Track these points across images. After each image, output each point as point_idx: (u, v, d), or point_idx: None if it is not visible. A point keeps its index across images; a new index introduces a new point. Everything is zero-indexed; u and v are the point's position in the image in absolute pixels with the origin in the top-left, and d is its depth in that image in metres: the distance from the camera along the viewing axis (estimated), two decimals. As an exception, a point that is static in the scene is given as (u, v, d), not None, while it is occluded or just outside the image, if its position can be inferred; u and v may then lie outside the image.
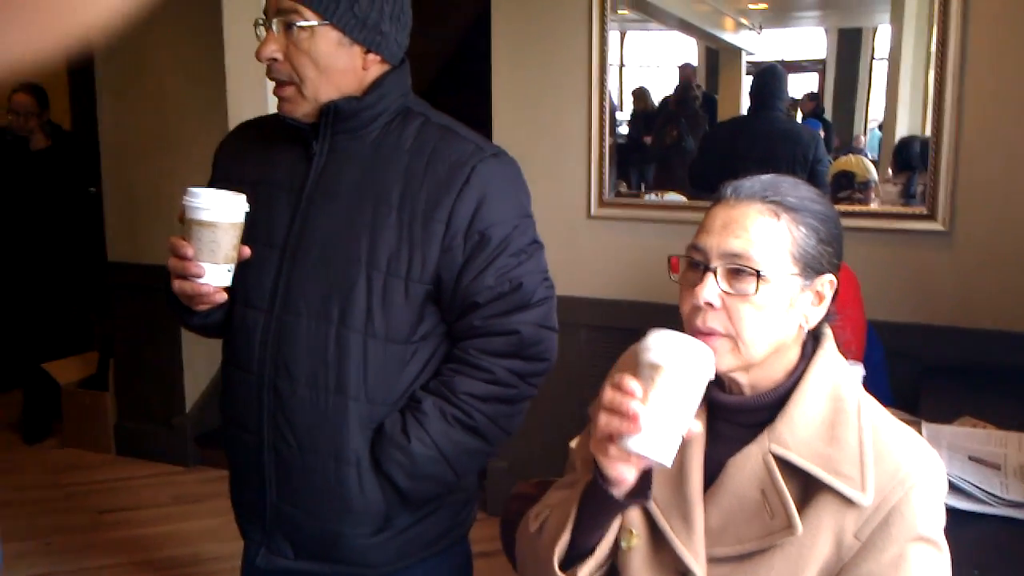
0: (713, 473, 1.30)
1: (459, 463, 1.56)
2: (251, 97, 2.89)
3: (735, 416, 1.32)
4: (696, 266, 1.29)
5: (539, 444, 3.51)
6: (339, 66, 1.50)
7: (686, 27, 3.87)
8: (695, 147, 3.74)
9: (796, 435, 1.24)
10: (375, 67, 1.54)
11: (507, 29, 3.63)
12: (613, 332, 3.48)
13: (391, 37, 1.53)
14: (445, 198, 1.49)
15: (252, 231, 1.53)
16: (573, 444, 2.37)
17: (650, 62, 3.91)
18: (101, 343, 4.91)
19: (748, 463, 1.26)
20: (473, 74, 5.95)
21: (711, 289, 1.25)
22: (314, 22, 1.46)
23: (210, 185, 1.63)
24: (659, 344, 1.14)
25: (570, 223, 3.58)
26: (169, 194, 4.36)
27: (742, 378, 1.29)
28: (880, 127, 3.44)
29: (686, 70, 3.83)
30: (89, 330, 5.12)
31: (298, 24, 1.46)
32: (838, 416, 1.25)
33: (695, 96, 3.77)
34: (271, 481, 1.59)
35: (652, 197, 3.66)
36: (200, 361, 4.54)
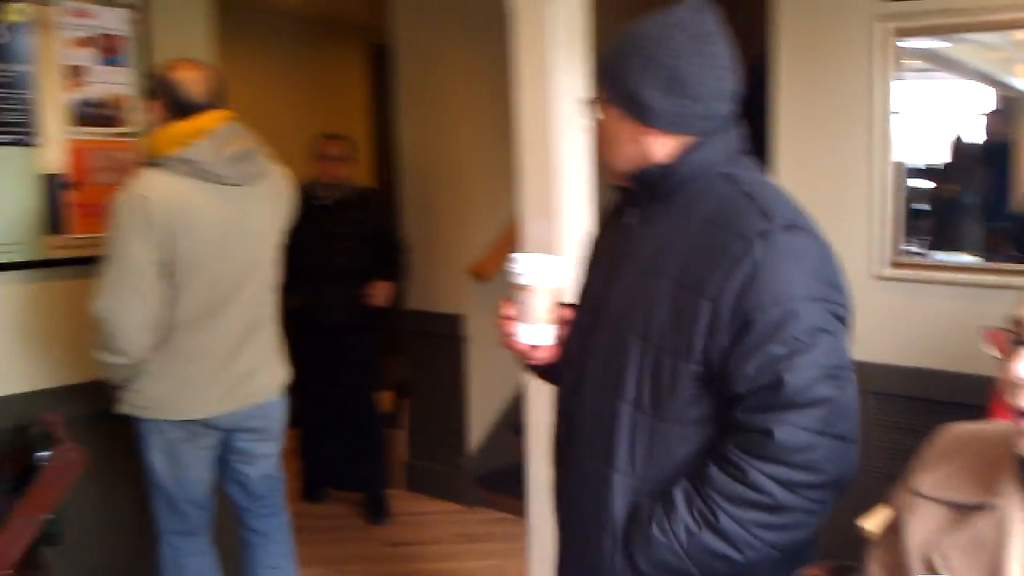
0: None
1: (699, 562, 1.44)
2: (539, 158, 3.02)
3: None
4: (1019, 342, 1.17)
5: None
6: (620, 138, 1.56)
7: (977, 75, 3.63)
8: (977, 202, 3.47)
9: None
10: (665, 139, 1.52)
11: (788, 82, 3.57)
12: (905, 401, 3.28)
13: (667, 110, 1.49)
14: (716, 273, 1.41)
15: (581, 293, 1.65)
16: (869, 527, 2.20)
17: (939, 111, 3.69)
18: (396, 384, 5.22)
19: None
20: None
21: None
22: (602, 98, 1.56)
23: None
24: None
25: (854, 283, 3.43)
26: (460, 249, 4.62)
27: None
28: None
29: (992, 117, 3.58)
30: (382, 371, 5.33)
31: (596, 100, 1.58)
32: None
33: (971, 148, 3.51)
34: (558, 539, 1.66)
35: (942, 257, 3.43)
36: (484, 405, 4.75)
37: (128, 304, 2.55)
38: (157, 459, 2.76)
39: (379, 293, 4.42)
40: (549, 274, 1.60)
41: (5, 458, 2.86)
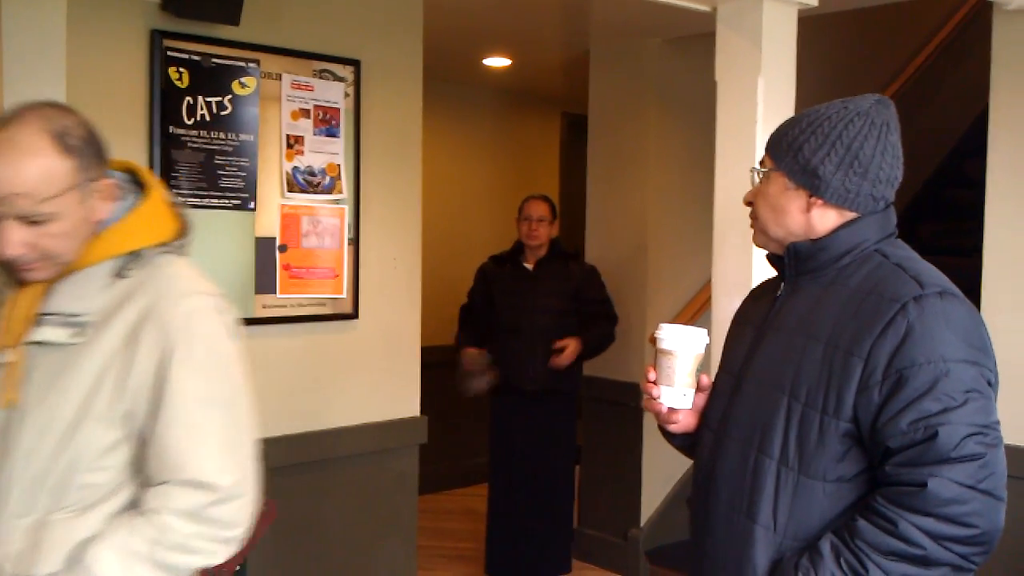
0: None
1: None
2: (739, 234, 2.96)
3: None
4: None
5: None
6: (785, 207, 1.65)
7: None
8: None
9: None
10: (829, 212, 1.63)
11: (1006, 160, 3.39)
12: None
13: (837, 184, 1.60)
14: (868, 334, 1.50)
15: (723, 361, 1.76)
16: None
17: None
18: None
19: None
20: (953, 200, 5.62)
21: None
22: (771, 167, 1.67)
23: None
24: None
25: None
26: (641, 317, 4.59)
27: None
28: None
29: None
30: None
31: (762, 169, 1.69)
32: None
33: None
34: None
35: None
36: (659, 477, 4.66)
37: None
38: None
39: (568, 350, 4.14)
40: (691, 342, 1.70)
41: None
